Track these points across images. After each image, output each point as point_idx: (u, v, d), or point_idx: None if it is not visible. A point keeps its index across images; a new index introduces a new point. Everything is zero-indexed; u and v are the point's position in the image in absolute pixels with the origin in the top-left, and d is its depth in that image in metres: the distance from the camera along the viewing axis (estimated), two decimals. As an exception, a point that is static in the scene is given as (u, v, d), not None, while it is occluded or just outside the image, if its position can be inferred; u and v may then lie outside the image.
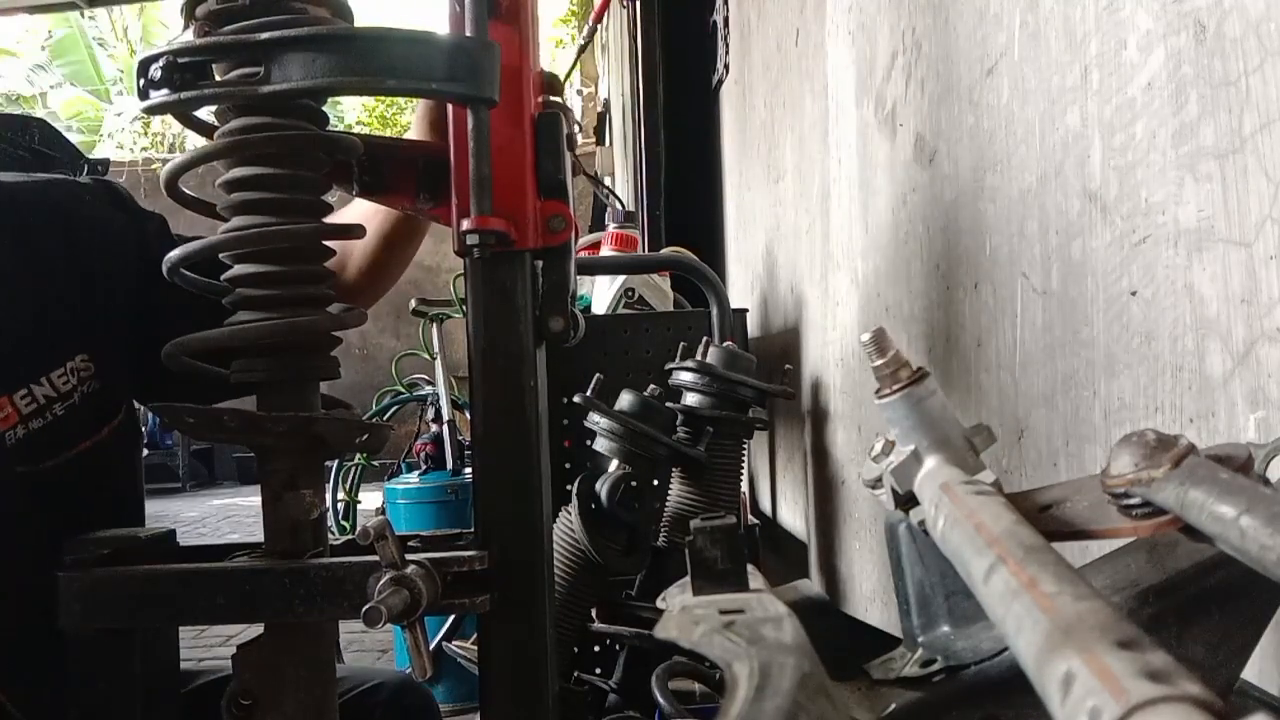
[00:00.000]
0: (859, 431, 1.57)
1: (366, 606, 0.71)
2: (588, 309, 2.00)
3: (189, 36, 0.76)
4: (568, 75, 5.24)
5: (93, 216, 1.02)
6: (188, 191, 0.88)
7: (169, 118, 0.87)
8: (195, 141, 1.09)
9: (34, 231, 0.97)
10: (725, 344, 1.30)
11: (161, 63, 0.74)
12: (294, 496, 0.82)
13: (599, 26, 4.95)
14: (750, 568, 0.54)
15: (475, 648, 0.85)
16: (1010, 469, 0.98)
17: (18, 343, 0.93)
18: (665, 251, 2.34)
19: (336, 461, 3.89)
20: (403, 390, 4.30)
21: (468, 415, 1.34)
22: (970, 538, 0.41)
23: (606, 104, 5.30)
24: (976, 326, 1.07)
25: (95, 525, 0.83)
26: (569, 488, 1.17)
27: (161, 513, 6.71)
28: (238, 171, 0.80)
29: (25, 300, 0.95)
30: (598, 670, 1.44)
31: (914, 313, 1.29)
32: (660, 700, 1.00)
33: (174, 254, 0.84)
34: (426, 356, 3.95)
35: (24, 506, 0.93)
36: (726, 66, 2.99)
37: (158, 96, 0.75)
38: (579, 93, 6.62)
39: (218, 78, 0.77)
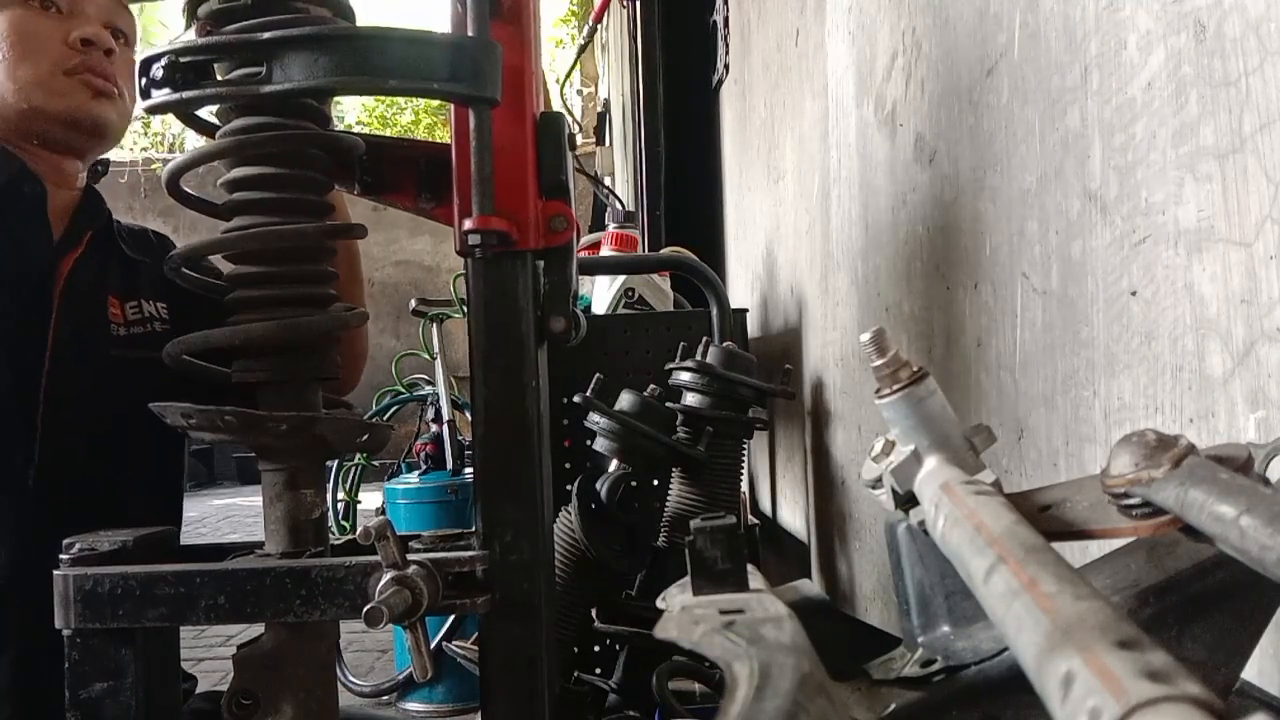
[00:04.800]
0: (859, 431, 1.57)
1: (368, 606, 0.71)
2: (588, 309, 2.00)
3: (191, 36, 0.77)
4: (568, 75, 5.24)
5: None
6: (189, 191, 0.88)
7: (170, 117, 0.87)
8: (196, 141, 1.10)
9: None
10: (725, 344, 1.30)
11: (163, 62, 0.74)
12: (294, 496, 0.82)
13: (599, 26, 4.95)
14: (750, 568, 0.54)
15: (475, 648, 0.86)
16: (1010, 469, 0.98)
17: (134, 270, 1.32)
18: (665, 251, 2.34)
19: (336, 461, 3.89)
20: (403, 390, 4.29)
21: (468, 415, 1.35)
22: (970, 538, 0.41)
23: (606, 104, 5.30)
24: (976, 326, 1.07)
25: (156, 427, 0.95)
26: (569, 488, 1.17)
27: (161, 512, 6.68)
28: (239, 171, 0.81)
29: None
30: (598, 670, 1.44)
31: (914, 313, 1.29)
32: (660, 700, 1.00)
33: (176, 253, 0.84)
34: (426, 356, 3.95)
35: (113, 380, 1.22)
36: (726, 66, 2.99)
37: (159, 96, 0.75)
38: (579, 93, 6.62)
39: (219, 77, 0.77)
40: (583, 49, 5.33)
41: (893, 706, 0.54)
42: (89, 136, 1.24)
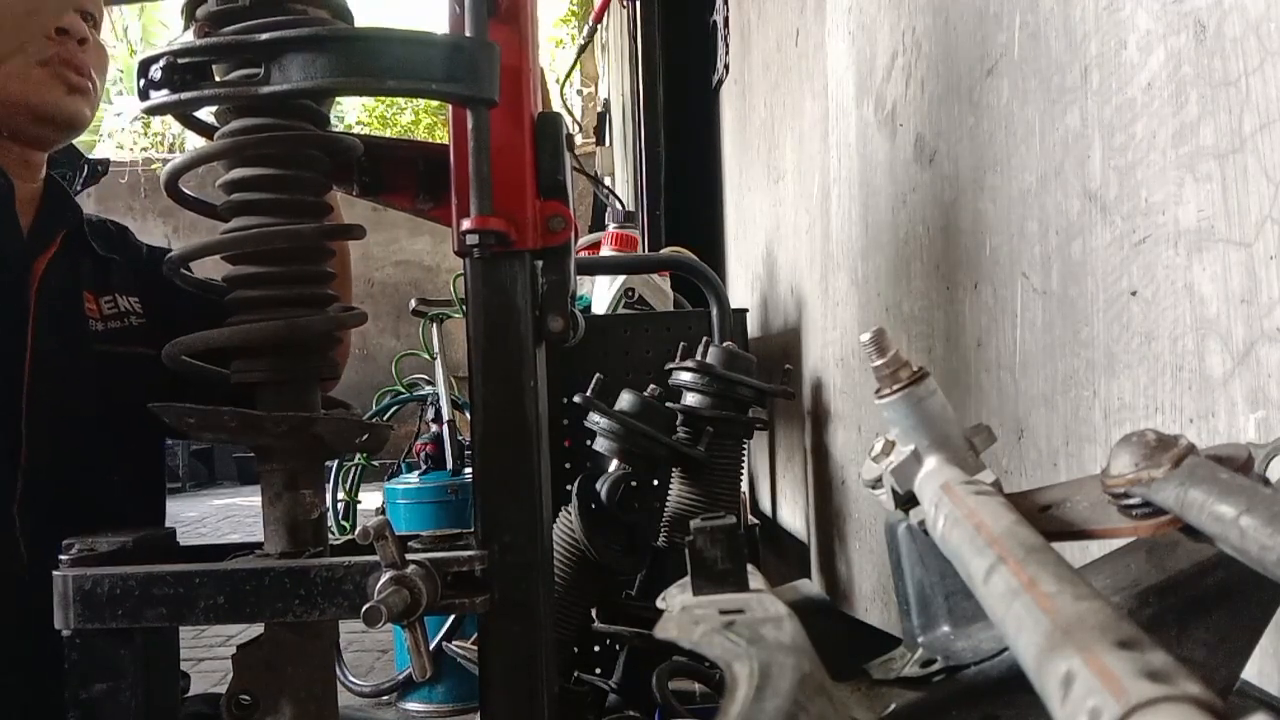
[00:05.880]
0: (859, 431, 1.57)
1: (366, 606, 0.71)
2: (588, 309, 2.00)
3: (189, 37, 0.77)
4: (568, 75, 5.24)
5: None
6: (188, 192, 0.88)
7: (169, 118, 0.87)
8: (195, 142, 1.09)
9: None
10: (725, 344, 1.30)
11: (162, 63, 0.74)
12: (294, 496, 0.82)
13: (599, 26, 4.95)
14: (750, 568, 0.54)
15: (475, 648, 0.86)
16: (1010, 469, 0.98)
17: (105, 266, 1.29)
18: (665, 251, 2.34)
19: (336, 461, 3.89)
20: (403, 390, 4.29)
21: (468, 415, 1.34)
22: (970, 538, 0.41)
23: (606, 104, 5.30)
24: (976, 326, 1.07)
25: (139, 423, 0.94)
26: (569, 488, 1.17)
27: (161, 513, 6.68)
28: (238, 172, 0.81)
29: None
30: (598, 670, 1.44)
31: (914, 313, 1.29)
32: (660, 700, 1.00)
33: (174, 254, 0.84)
34: (426, 356, 3.95)
35: (96, 377, 1.21)
36: (726, 66, 2.99)
37: (158, 97, 0.75)
38: (579, 93, 6.62)
39: (218, 78, 0.77)
40: (583, 49, 5.33)
41: (893, 706, 0.54)
42: (60, 131, 1.20)
